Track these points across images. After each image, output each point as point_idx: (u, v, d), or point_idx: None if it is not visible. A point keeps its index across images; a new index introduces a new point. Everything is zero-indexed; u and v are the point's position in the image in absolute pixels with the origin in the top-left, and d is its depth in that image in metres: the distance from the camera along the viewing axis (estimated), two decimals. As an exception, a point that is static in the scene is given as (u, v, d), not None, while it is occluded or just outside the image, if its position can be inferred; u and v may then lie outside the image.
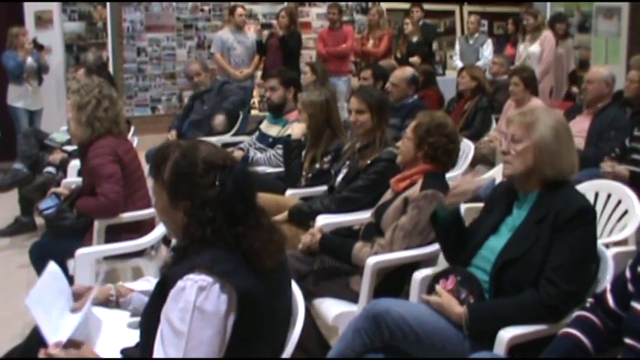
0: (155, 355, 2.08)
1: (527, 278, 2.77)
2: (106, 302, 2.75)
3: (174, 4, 10.88)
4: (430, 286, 3.03)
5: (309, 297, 3.49)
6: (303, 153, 5.05)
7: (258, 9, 11.24)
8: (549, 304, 2.69)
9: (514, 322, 2.71)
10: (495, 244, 2.93)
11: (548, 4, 11.19)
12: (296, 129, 5.12)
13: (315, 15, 11.66)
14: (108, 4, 10.26)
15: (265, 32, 9.90)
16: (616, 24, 10.23)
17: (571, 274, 2.70)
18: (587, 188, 4.17)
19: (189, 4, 10.96)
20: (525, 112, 3.03)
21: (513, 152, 2.91)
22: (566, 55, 9.93)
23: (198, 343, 2.02)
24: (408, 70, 6.73)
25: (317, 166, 4.88)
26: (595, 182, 4.38)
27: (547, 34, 9.15)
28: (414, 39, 9.89)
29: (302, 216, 4.30)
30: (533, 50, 8.97)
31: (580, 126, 5.85)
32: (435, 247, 3.44)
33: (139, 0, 10.63)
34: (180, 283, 2.06)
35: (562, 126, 2.97)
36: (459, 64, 9.54)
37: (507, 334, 2.68)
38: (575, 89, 9.23)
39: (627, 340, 2.24)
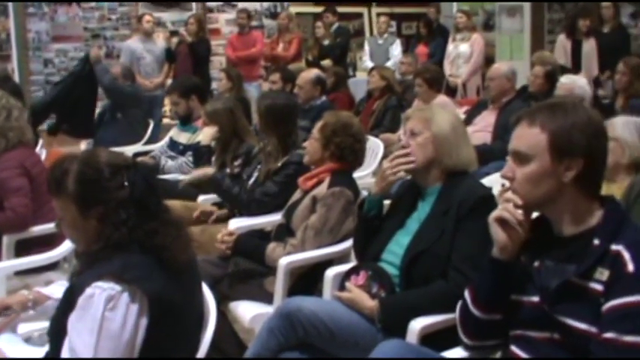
0: None
1: (436, 270, 2.83)
2: (23, 309, 2.68)
3: (80, 13, 10.68)
4: (342, 282, 3.06)
5: (224, 301, 3.50)
6: (213, 159, 5.04)
7: (167, 17, 11.13)
8: (458, 293, 2.71)
9: (425, 312, 2.76)
10: (403, 238, 2.98)
11: (455, 3, 11.44)
12: (205, 134, 5.09)
13: (224, 21, 11.62)
14: (11, 15, 10.00)
15: (174, 40, 9.84)
16: (519, 21, 10.55)
17: (478, 262, 2.75)
18: (494, 180, 4.28)
19: (97, 13, 10.78)
20: (423, 108, 3.24)
21: (413, 144, 2.99)
22: (592, 56, 8.63)
23: (106, 352, 2.02)
24: (313, 72, 6.78)
25: (227, 170, 4.87)
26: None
27: (477, 37, 9.45)
28: (326, 42, 9.98)
29: (216, 188, 4.52)
30: (464, 50, 9.30)
31: (486, 121, 6.00)
32: (347, 244, 3.49)
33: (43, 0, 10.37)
34: (88, 291, 2.05)
35: (457, 121, 3.13)
36: (370, 64, 9.63)
37: (418, 324, 2.73)
38: (601, 92, 7.83)
39: (514, 332, 2.24)
